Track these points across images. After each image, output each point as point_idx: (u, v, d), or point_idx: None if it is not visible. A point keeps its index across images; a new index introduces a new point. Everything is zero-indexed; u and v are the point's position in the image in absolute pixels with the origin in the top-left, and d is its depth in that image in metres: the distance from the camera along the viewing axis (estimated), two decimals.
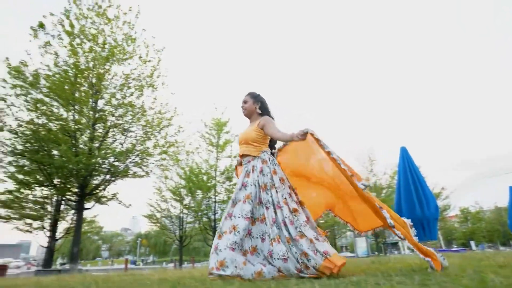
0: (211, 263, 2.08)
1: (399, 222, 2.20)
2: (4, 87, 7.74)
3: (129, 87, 9.22)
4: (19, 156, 8.30)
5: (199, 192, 15.42)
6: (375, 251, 26.65)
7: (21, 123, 8.03)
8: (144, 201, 17.87)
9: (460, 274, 1.65)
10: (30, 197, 10.68)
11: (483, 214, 41.82)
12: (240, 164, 2.65)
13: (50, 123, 8.31)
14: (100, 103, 9.18)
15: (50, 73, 8.30)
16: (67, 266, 17.77)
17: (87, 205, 9.56)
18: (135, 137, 9.42)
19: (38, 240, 11.90)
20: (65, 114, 8.61)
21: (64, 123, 8.32)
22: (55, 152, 8.36)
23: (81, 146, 8.75)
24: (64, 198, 10.49)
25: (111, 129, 9.20)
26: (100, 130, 9.13)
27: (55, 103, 8.38)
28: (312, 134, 2.28)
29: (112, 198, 10.25)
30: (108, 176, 9.27)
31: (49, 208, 11.73)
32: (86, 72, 8.68)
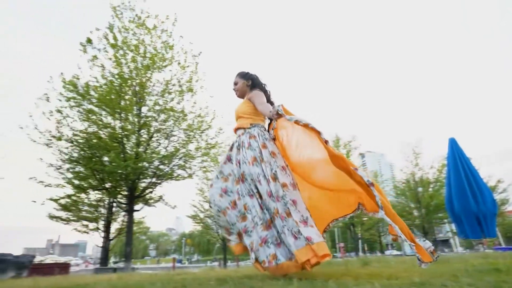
0: (262, 257, 1.98)
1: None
2: (60, 100, 8.42)
3: (169, 93, 9.58)
4: (75, 163, 8.95)
5: None
6: None
7: (75, 133, 8.66)
8: (188, 202, 18.53)
9: None
10: (86, 200, 11.49)
11: None
12: None
13: (100, 131, 8.86)
14: (144, 109, 9.63)
15: (98, 84, 8.87)
16: (120, 265, 18.93)
17: (136, 207, 10.09)
18: (178, 140, 9.76)
19: (94, 240, 12.77)
20: (112, 122, 9.14)
21: (112, 131, 8.84)
22: (105, 158, 8.91)
23: (128, 151, 9.24)
24: (115, 201, 11.16)
25: (155, 134, 9.62)
26: (145, 136, 9.58)
27: (103, 112, 8.91)
28: (280, 114, 2.09)
29: (159, 200, 10.73)
30: (154, 179, 9.71)
31: (103, 210, 12.56)
32: (129, 81, 9.14)
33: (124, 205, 10.12)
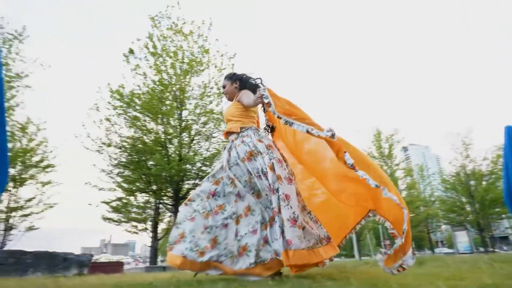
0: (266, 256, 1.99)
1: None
2: (108, 109, 8.97)
3: (208, 96, 9.81)
4: (124, 168, 9.47)
5: None
6: (479, 246, 23.43)
7: (123, 139, 9.17)
8: None
9: None
10: (134, 202, 12.11)
11: None
12: None
13: (144, 136, 9.31)
14: (184, 113, 9.95)
15: (141, 92, 9.31)
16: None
17: None
18: (218, 142, 9.97)
19: (143, 240, 13.42)
20: (155, 127, 9.54)
21: (156, 135, 9.23)
22: (151, 162, 9.34)
23: (171, 154, 9.60)
24: (161, 202, 11.65)
25: (196, 137, 9.90)
26: (186, 139, 9.88)
27: (147, 118, 9.35)
28: (264, 97, 2.03)
29: None
30: (197, 180, 9.99)
31: (150, 211, 13.15)
32: (169, 87, 9.49)
33: (169, 206, 10.53)
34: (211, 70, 10.04)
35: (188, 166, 9.23)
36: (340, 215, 2.45)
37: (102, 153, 9.23)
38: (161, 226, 14.10)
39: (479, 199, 19.09)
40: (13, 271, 4.60)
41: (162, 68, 9.47)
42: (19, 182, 10.77)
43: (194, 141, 9.98)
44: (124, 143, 9.18)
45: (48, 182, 11.52)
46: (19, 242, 10.79)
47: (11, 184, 10.29)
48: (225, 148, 2.33)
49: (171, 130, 9.54)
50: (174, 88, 9.65)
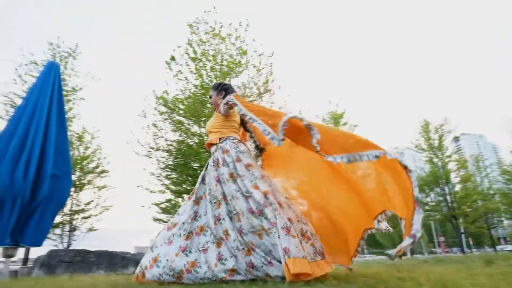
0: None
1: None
2: (154, 115, 9.42)
3: (248, 96, 9.87)
4: (171, 170, 9.89)
5: None
6: None
7: (169, 143, 9.57)
8: None
9: None
10: (181, 203, 12.62)
11: None
12: None
13: (189, 140, 9.64)
14: None
15: (183, 97, 9.64)
16: None
17: None
18: None
19: None
20: (199, 130, 9.83)
21: (200, 138, 9.51)
22: (196, 164, 9.63)
23: None
24: None
25: None
26: None
27: (190, 122, 9.66)
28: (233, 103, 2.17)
29: None
30: None
31: None
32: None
33: None
34: (250, 70, 10.09)
35: None
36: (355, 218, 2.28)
37: (151, 157, 9.70)
38: None
39: None
40: (80, 269, 5.03)
41: (202, 72, 9.71)
42: (79, 187, 11.74)
43: None
44: (171, 147, 9.56)
45: (104, 186, 12.42)
46: (81, 241, 11.80)
47: (72, 189, 11.24)
48: (207, 164, 2.36)
49: None
50: None
